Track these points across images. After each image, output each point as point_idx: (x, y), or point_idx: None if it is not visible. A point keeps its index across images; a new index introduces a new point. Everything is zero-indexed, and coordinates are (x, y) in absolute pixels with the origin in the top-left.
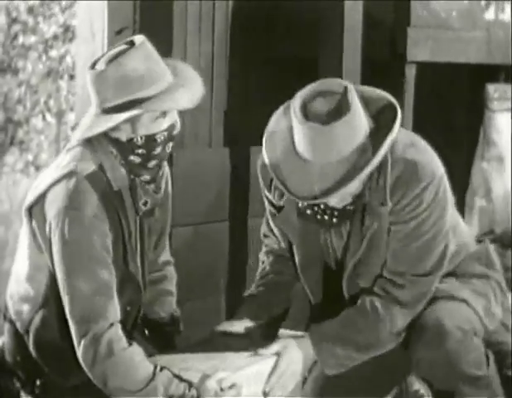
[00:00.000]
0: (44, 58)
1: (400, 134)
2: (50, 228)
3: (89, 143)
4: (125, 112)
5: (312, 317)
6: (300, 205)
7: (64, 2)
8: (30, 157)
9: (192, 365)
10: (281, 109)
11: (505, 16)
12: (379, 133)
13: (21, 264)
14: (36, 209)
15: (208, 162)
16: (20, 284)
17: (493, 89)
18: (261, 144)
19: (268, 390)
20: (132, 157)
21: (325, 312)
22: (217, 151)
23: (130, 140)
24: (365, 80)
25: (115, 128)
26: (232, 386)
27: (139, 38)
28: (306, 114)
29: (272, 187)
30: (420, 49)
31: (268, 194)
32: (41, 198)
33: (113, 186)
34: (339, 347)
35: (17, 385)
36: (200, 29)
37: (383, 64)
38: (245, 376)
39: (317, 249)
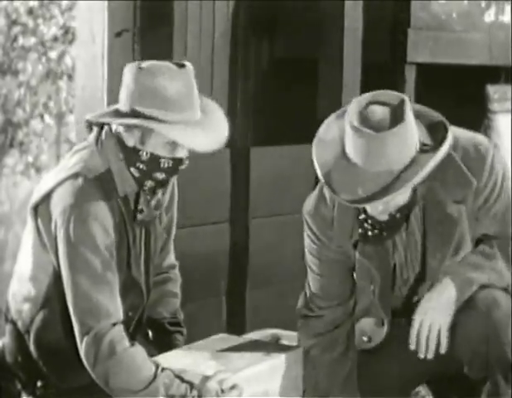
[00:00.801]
0: (44, 60)
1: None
2: (55, 226)
3: (98, 145)
4: (139, 119)
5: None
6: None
7: (64, 4)
8: (30, 159)
9: (193, 366)
10: (333, 115)
11: (505, 18)
12: (429, 148)
13: (24, 263)
14: (41, 207)
15: (208, 163)
16: (22, 284)
17: (493, 91)
18: (261, 145)
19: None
20: (132, 169)
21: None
22: (217, 152)
23: (137, 151)
24: (365, 82)
25: (127, 131)
26: (233, 387)
27: (188, 64)
28: (361, 120)
29: (334, 229)
30: (420, 50)
31: (327, 241)
32: (47, 197)
33: (119, 190)
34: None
35: (18, 386)
36: (201, 30)
37: (383, 65)
38: (246, 376)
39: (389, 267)
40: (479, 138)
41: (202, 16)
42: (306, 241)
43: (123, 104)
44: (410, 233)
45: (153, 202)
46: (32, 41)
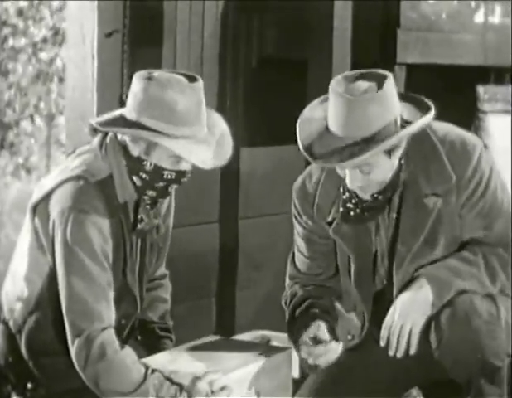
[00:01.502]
0: (34, 61)
1: (436, 124)
2: (53, 226)
3: (102, 150)
4: (145, 131)
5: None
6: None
7: (54, 5)
8: (20, 160)
9: (183, 367)
10: (317, 100)
11: (495, 19)
12: (410, 121)
13: (19, 263)
14: (40, 206)
15: None
16: (16, 283)
17: (483, 91)
18: (250, 146)
19: (399, 313)
20: (134, 178)
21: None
22: None
23: (140, 160)
24: None
25: (133, 141)
26: (223, 388)
27: (198, 78)
28: (345, 89)
29: (316, 204)
30: (410, 51)
31: (305, 218)
32: (47, 196)
33: (119, 197)
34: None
35: (8, 387)
36: (190, 30)
37: (372, 66)
38: (236, 377)
39: (370, 252)
40: (468, 136)
41: (191, 17)
42: (294, 221)
43: (129, 112)
44: (391, 219)
45: (153, 212)
46: (22, 42)
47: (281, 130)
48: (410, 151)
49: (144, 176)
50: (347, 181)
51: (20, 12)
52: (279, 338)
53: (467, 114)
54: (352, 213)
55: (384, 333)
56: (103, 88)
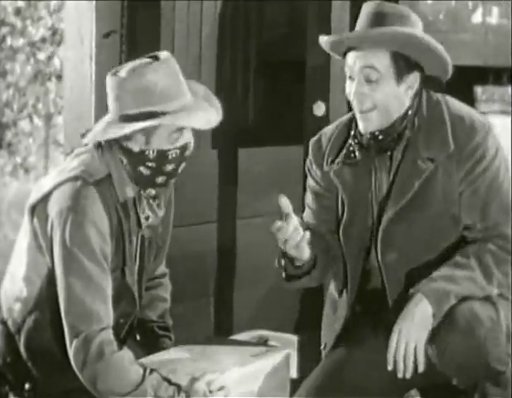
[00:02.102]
0: (32, 61)
1: (456, 102)
2: (51, 227)
3: (99, 150)
4: (141, 122)
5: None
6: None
7: (52, 6)
8: (18, 160)
9: (180, 367)
10: None
11: (492, 19)
12: None
13: (18, 263)
14: (39, 207)
15: (196, 165)
16: (15, 283)
17: (481, 92)
18: (248, 146)
19: (404, 333)
20: (141, 169)
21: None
22: (205, 153)
23: (142, 152)
24: None
25: (129, 138)
26: (221, 388)
27: (164, 53)
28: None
29: (326, 153)
30: None
31: (316, 169)
32: (46, 197)
33: (118, 196)
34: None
35: (6, 387)
36: (188, 31)
37: None
38: (234, 377)
39: (364, 203)
40: (480, 116)
41: (189, 17)
42: (307, 174)
43: (116, 113)
44: (390, 174)
45: (155, 203)
46: (21, 41)
47: (279, 131)
48: (419, 114)
49: (151, 164)
50: (351, 94)
51: (18, 11)
52: (277, 338)
53: None
54: (352, 154)
55: (389, 357)
56: (101, 88)
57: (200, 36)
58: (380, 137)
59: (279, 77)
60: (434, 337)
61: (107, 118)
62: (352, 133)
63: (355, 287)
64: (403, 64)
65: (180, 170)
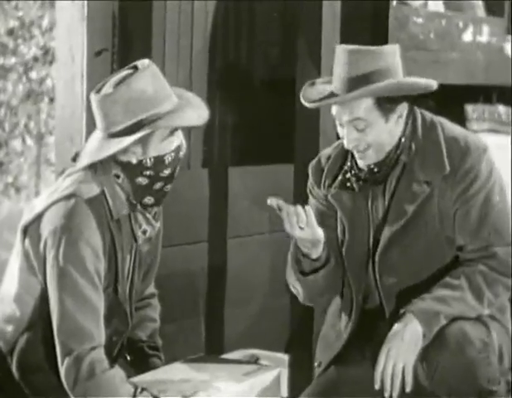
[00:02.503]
0: (24, 80)
1: (451, 124)
2: (45, 245)
3: (91, 167)
4: (135, 133)
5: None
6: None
7: (44, 25)
8: (10, 179)
9: (172, 386)
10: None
11: (483, 38)
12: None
13: (9, 284)
14: (31, 228)
15: (186, 184)
16: (6, 304)
17: (471, 110)
18: (239, 165)
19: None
20: (139, 179)
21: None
22: (195, 172)
23: (139, 162)
24: None
25: (125, 151)
26: None
27: (144, 62)
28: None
29: (324, 176)
30: None
31: (317, 190)
32: (38, 218)
33: (113, 214)
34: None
35: None
36: (179, 50)
37: None
38: (225, 396)
39: (363, 227)
40: (475, 138)
41: (180, 37)
42: (309, 195)
43: (107, 129)
44: (386, 199)
45: (151, 216)
46: (13, 60)
47: (269, 150)
48: (415, 138)
49: (148, 172)
50: (344, 140)
51: (10, 32)
52: (268, 357)
53: None
54: (349, 184)
55: (376, 376)
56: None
57: (190, 54)
58: (376, 169)
59: (270, 95)
60: (425, 357)
61: (96, 135)
62: (349, 164)
63: (358, 306)
64: (388, 104)
65: (175, 174)
